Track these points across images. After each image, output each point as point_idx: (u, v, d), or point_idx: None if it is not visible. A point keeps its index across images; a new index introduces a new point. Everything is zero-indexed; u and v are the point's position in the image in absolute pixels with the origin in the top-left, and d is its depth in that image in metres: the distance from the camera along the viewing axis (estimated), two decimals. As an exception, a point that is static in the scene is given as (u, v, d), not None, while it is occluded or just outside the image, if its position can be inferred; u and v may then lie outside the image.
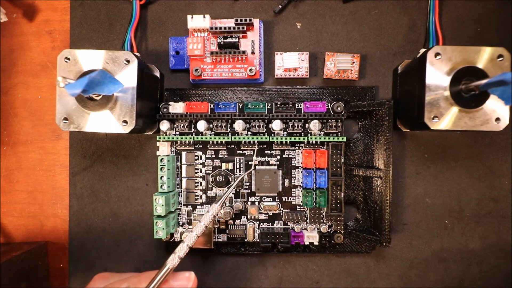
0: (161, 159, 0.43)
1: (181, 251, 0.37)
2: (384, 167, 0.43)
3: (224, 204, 0.43)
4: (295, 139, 0.43)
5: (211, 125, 0.44)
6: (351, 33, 0.47)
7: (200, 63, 0.46)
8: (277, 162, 0.46)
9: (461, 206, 0.47)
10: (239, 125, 0.43)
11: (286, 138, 0.43)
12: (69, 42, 0.48)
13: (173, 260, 0.36)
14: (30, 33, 0.48)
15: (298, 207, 0.46)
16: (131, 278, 0.36)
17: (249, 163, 0.45)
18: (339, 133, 0.44)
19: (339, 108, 0.43)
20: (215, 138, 0.44)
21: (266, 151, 0.46)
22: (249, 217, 0.46)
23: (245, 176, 0.45)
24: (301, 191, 0.45)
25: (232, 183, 0.45)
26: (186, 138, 0.45)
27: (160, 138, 0.44)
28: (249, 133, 0.44)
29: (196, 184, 0.46)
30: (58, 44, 0.48)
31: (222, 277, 0.48)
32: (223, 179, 0.45)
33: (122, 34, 0.47)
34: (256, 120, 0.44)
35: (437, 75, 0.37)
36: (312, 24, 0.47)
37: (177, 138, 0.45)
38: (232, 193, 0.46)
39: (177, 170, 0.46)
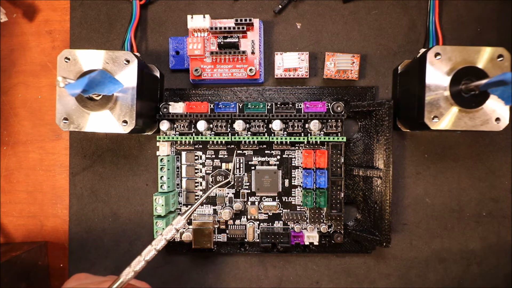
0: (161, 159, 0.43)
1: (137, 265, 0.35)
2: (384, 167, 0.43)
3: (191, 216, 0.41)
4: (295, 139, 0.43)
5: (211, 125, 0.44)
6: (351, 33, 0.47)
7: (200, 63, 0.46)
8: (277, 162, 0.46)
9: (461, 206, 0.47)
10: (239, 125, 0.43)
11: (286, 138, 0.43)
12: (69, 42, 0.48)
13: (127, 274, 0.34)
14: (30, 33, 0.48)
15: (298, 207, 0.46)
16: (101, 283, 0.35)
17: (249, 163, 0.46)
18: (339, 133, 0.44)
19: (339, 108, 0.43)
20: (215, 138, 0.44)
21: (266, 151, 0.46)
22: (249, 217, 0.46)
23: (223, 183, 0.44)
24: (301, 191, 0.45)
25: (231, 183, 0.45)
26: (186, 138, 0.45)
27: (160, 138, 0.44)
28: (249, 133, 0.44)
29: (196, 184, 0.46)
30: (58, 44, 0.48)
31: (222, 277, 0.48)
32: (223, 179, 0.45)
33: (122, 34, 0.47)
34: (256, 120, 0.44)
35: (437, 75, 0.37)
36: (312, 24, 0.47)
37: (177, 138, 0.45)
38: (233, 193, 0.46)
39: (177, 170, 0.46)
